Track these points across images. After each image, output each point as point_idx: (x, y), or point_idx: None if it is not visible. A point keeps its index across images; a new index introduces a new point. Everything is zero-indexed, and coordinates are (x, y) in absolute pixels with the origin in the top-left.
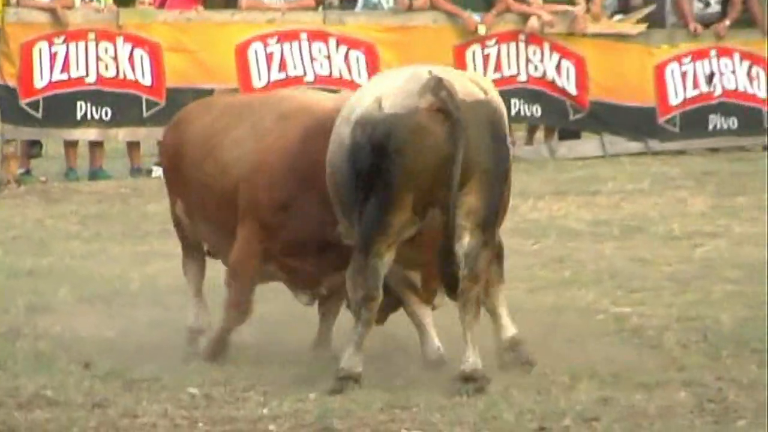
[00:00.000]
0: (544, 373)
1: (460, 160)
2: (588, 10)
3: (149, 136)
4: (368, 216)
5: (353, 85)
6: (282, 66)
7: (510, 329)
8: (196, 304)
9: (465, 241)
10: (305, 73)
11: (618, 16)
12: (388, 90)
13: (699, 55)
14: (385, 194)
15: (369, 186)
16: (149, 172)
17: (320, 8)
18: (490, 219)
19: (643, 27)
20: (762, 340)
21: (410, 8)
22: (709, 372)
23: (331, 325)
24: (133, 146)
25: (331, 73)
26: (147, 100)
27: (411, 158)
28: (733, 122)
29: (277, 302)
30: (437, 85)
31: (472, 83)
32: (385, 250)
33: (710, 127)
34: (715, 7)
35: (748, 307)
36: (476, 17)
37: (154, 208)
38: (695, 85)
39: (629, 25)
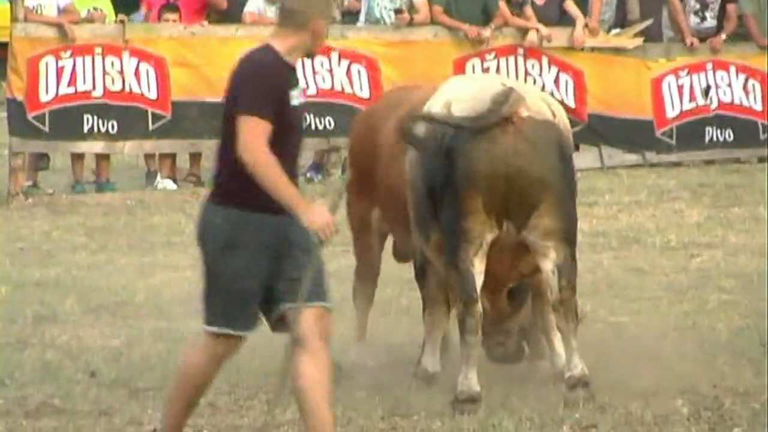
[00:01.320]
0: (542, 381)
1: (526, 171)
2: (586, 25)
3: (155, 149)
4: (447, 226)
5: (355, 99)
6: None
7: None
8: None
9: (553, 257)
10: (308, 87)
11: (615, 31)
12: (459, 95)
13: (695, 68)
14: (455, 199)
15: (440, 192)
16: (155, 184)
17: None
18: (570, 236)
19: (640, 41)
20: (757, 349)
21: (411, 23)
22: (706, 380)
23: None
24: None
25: (333, 86)
26: (153, 114)
27: (476, 161)
28: (729, 135)
29: None
30: (507, 95)
31: (542, 102)
32: (473, 256)
33: (706, 139)
34: (711, 22)
35: (744, 316)
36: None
37: (159, 220)
38: (692, 98)
39: (626, 39)
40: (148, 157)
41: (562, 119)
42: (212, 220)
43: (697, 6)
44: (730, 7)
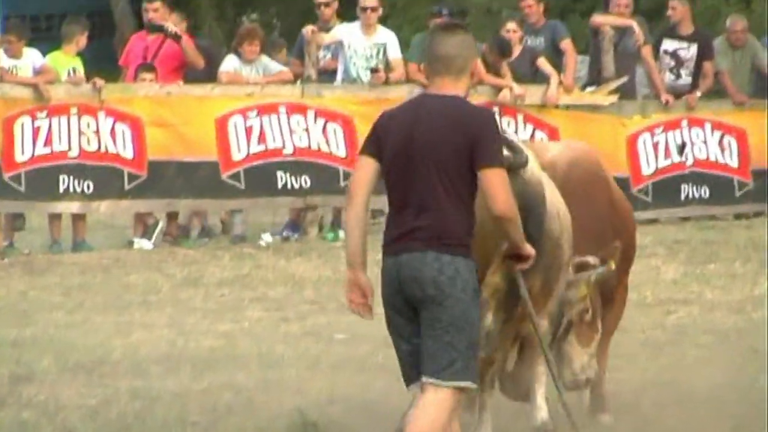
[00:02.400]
0: None
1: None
2: (560, 82)
3: (131, 209)
4: None
5: (331, 158)
6: (261, 138)
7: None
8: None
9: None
10: (284, 146)
11: (590, 88)
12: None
13: (670, 125)
14: None
15: None
16: (130, 243)
17: (299, 82)
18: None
19: (615, 98)
20: (736, 405)
21: (387, 81)
22: None
23: None
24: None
25: (309, 145)
26: (129, 173)
27: None
28: (704, 191)
29: (249, 370)
30: None
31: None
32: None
33: (682, 196)
34: (686, 79)
35: (721, 371)
36: None
37: (135, 279)
38: (667, 155)
39: (601, 96)
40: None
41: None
42: (460, 270)
43: (672, 63)
44: (707, 65)
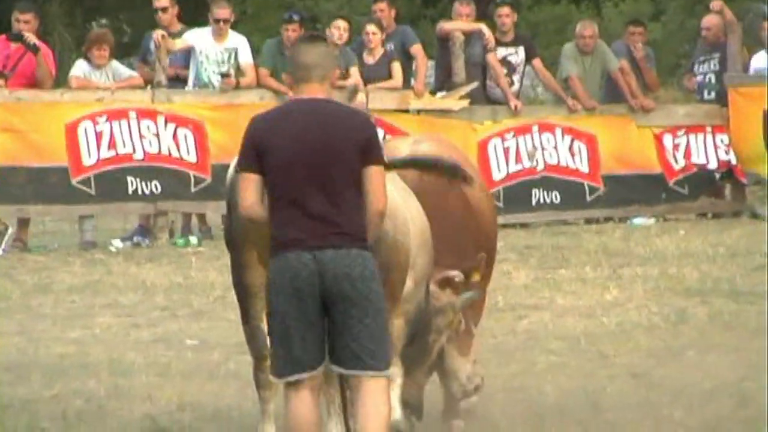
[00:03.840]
0: None
1: None
2: (411, 87)
3: None
4: (233, 281)
5: (182, 163)
6: (111, 144)
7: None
8: None
9: None
10: (135, 151)
11: (440, 93)
12: None
13: (521, 130)
14: (235, 253)
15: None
16: None
17: (149, 87)
18: None
19: (465, 103)
20: (584, 411)
21: (237, 86)
22: None
23: None
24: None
25: (160, 150)
26: None
27: None
28: (555, 196)
29: (99, 377)
30: None
31: None
32: (261, 311)
33: (533, 201)
34: (517, 85)
35: (571, 377)
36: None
37: None
38: (518, 160)
39: (453, 101)
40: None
41: None
42: (373, 265)
43: (506, 70)
44: (536, 62)
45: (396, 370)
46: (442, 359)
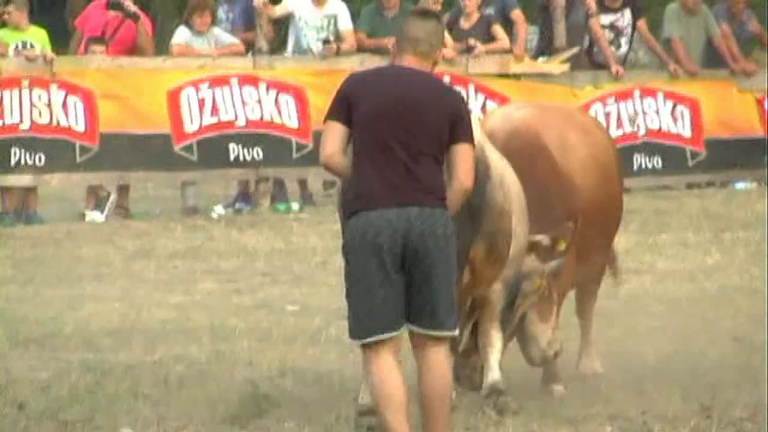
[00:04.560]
0: (471, 408)
1: None
2: (511, 51)
3: (82, 182)
4: None
5: (284, 129)
6: (214, 110)
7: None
8: None
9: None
10: (237, 117)
11: (541, 58)
12: None
13: (622, 95)
14: None
15: None
16: (82, 216)
17: (250, 53)
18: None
19: (566, 67)
20: (685, 375)
21: (338, 53)
22: (634, 406)
23: None
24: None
25: (262, 116)
26: (80, 146)
27: None
28: (657, 162)
29: (200, 343)
30: None
31: None
32: None
33: (635, 166)
34: (624, 48)
35: (672, 341)
36: None
37: (87, 252)
38: (619, 126)
39: (553, 66)
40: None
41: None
42: (451, 226)
43: (612, 35)
44: (639, 23)
45: (495, 334)
46: (523, 324)
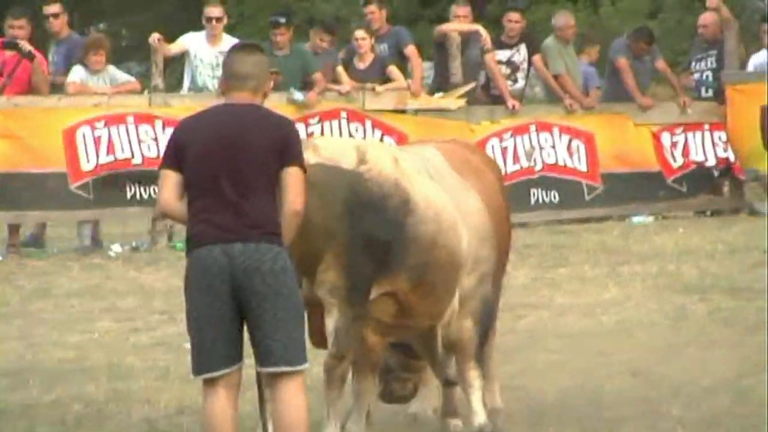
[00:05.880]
0: None
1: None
2: (408, 87)
3: None
4: None
5: None
6: (110, 149)
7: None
8: None
9: (335, 316)
10: (133, 156)
11: (438, 94)
12: None
13: (519, 130)
14: None
15: None
16: None
17: (146, 91)
18: (353, 294)
19: (463, 102)
20: (584, 408)
21: None
22: None
23: None
24: None
25: (158, 154)
26: None
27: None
28: (554, 196)
29: (98, 382)
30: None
31: (348, 150)
32: None
33: (532, 201)
34: (521, 82)
35: (570, 376)
36: (298, 95)
37: None
38: (516, 160)
39: (450, 101)
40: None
41: (375, 167)
42: (286, 260)
43: (509, 71)
44: (535, 59)
45: (473, 373)
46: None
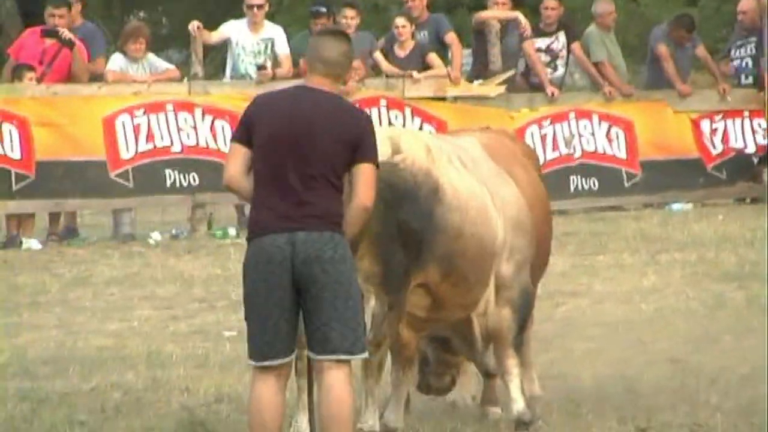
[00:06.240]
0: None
1: None
2: (447, 75)
3: (18, 209)
4: None
5: (219, 155)
6: (149, 137)
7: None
8: None
9: (371, 303)
10: (172, 144)
11: (477, 81)
12: None
13: (558, 117)
14: None
15: None
16: (20, 243)
17: (185, 79)
18: (389, 282)
19: (502, 89)
20: (621, 397)
21: (274, 77)
22: (571, 429)
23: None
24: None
25: (197, 142)
26: (16, 174)
27: None
28: (593, 183)
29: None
30: None
31: (387, 139)
32: None
33: (571, 188)
34: (561, 70)
35: (608, 364)
36: None
37: (23, 279)
38: (555, 148)
39: (489, 88)
40: (10, 218)
41: (408, 157)
42: (347, 249)
43: (548, 59)
44: (573, 46)
45: (511, 362)
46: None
